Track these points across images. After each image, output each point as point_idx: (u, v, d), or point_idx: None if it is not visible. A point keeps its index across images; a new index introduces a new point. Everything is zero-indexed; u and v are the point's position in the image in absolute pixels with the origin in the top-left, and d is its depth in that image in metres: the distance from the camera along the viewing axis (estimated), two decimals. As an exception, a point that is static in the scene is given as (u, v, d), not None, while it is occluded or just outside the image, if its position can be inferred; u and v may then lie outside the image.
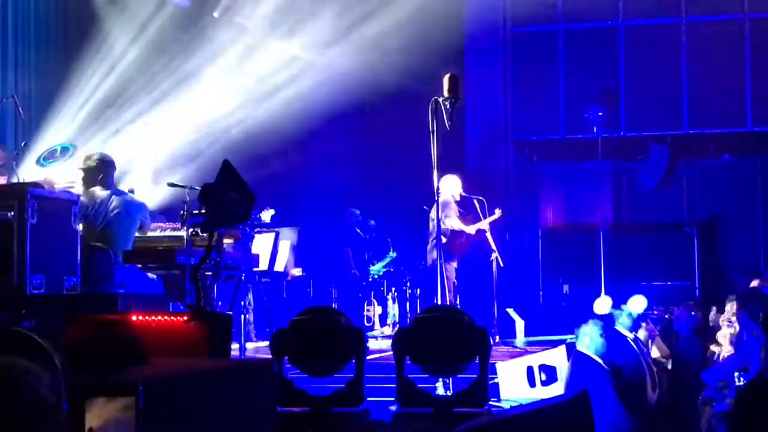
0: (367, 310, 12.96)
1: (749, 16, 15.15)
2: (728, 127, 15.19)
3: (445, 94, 7.12)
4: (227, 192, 5.00)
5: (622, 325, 8.83)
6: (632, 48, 15.48)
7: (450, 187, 10.81)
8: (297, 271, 12.33)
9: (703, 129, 15.26)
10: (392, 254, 13.41)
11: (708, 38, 15.23)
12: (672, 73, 15.35)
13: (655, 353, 9.48)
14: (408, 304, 13.21)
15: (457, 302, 12.50)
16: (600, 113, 14.78)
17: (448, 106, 7.16)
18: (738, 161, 15.69)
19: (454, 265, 10.96)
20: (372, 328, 12.74)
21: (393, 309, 13.10)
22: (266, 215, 12.05)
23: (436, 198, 8.16)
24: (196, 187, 6.40)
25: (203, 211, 5.10)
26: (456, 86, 7.17)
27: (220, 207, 5.03)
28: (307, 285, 13.93)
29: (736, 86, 15.09)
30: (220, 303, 7.63)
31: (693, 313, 9.61)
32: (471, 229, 10.79)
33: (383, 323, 12.94)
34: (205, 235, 5.75)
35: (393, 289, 13.36)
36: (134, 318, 5.29)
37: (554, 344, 9.93)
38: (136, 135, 12.48)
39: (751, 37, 15.09)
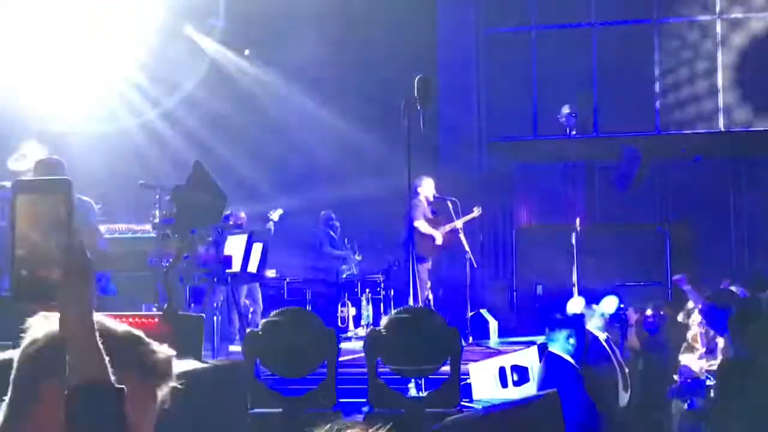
0: (341, 312, 12.96)
1: (720, 17, 15.27)
2: (700, 128, 15.30)
3: (417, 96, 7.14)
4: (198, 193, 4.98)
5: (594, 326, 8.85)
6: (604, 49, 15.56)
7: (423, 188, 10.82)
8: (271, 273, 12.32)
9: (675, 130, 15.36)
10: (357, 257, 13.41)
11: (680, 39, 15.34)
12: (644, 74, 15.45)
13: (633, 342, 9.53)
14: (382, 305, 13.21)
15: (431, 302, 12.55)
16: (573, 114, 14.83)
17: (419, 108, 7.18)
18: (709, 162, 15.80)
19: (427, 266, 10.95)
20: (346, 330, 12.74)
21: (367, 310, 13.10)
22: (275, 215, 12.09)
23: (408, 199, 8.16)
24: (168, 187, 6.38)
25: (174, 212, 5.07)
26: (427, 88, 7.18)
27: (191, 208, 5.02)
28: (281, 286, 13.91)
29: (707, 87, 15.21)
30: (192, 305, 7.58)
31: (662, 312, 9.67)
32: (438, 234, 10.75)
33: (357, 324, 12.94)
34: (176, 236, 5.75)
35: (367, 290, 13.37)
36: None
37: (528, 345, 9.97)
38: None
39: (722, 38, 15.21)
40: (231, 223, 11.81)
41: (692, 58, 15.41)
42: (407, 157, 7.40)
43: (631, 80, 15.48)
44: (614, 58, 15.49)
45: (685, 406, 7.54)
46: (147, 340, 2.03)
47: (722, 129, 15.21)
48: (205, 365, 5.14)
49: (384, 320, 5.78)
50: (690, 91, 15.31)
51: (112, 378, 1.76)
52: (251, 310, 11.59)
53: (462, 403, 5.72)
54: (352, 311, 13.09)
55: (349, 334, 12.49)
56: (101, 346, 1.74)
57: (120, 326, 1.97)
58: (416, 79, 7.20)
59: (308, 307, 13.31)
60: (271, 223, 12.16)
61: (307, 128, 15.38)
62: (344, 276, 13.20)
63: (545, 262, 14.79)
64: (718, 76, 15.20)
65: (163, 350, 2.04)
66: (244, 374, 4.77)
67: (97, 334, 1.75)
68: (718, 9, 15.28)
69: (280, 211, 12.28)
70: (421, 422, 5.11)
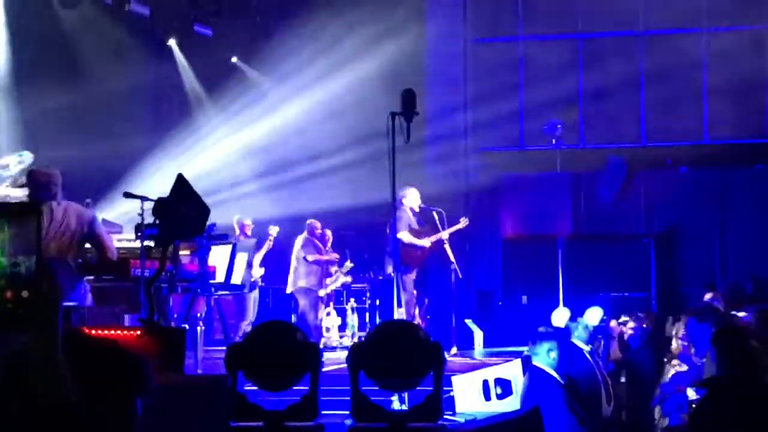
0: (327, 321, 12.94)
1: (707, 30, 15.33)
2: (685, 140, 15.34)
3: (402, 108, 7.15)
4: (181, 205, 4.98)
5: (578, 338, 8.86)
6: (591, 60, 15.60)
7: (408, 199, 10.78)
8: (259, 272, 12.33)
9: (660, 142, 15.40)
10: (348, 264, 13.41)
11: (666, 51, 15.39)
12: (630, 85, 15.49)
13: (615, 354, 9.52)
14: (367, 314, 13.21)
15: (416, 313, 12.54)
16: (558, 125, 14.86)
17: (404, 121, 7.18)
18: (695, 173, 15.85)
19: (412, 276, 10.90)
20: (331, 339, 12.73)
21: (352, 320, 13.09)
22: (273, 230, 12.11)
23: (393, 210, 8.15)
24: (152, 198, 6.35)
25: (156, 223, 5.07)
26: (413, 101, 7.19)
27: (173, 220, 5.01)
28: (267, 296, 13.90)
29: (693, 99, 15.25)
30: (176, 315, 7.57)
31: (644, 325, 9.67)
32: (425, 243, 10.72)
33: (342, 334, 12.93)
34: (159, 248, 5.73)
35: (352, 299, 13.37)
36: (87, 332, 5.24)
37: (513, 355, 9.95)
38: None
39: (708, 51, 15.26)
40: (238, 233, 11.87)
41: (679, 70, 15.44)
42: (391, 169, 7.40)
43: (618, 91, 15.51)
44: (601, 69, 15.52)
45: (667, 420, 7.54)
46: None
47: (708, 141, 15.25)
48: (186, 378, 5.11)
49: (367, 333, 5.78)
50: (676, 102, 15.35)
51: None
52: (246, 322, 11.60)
53: (445, 416, 5.71)
54: (337, 321, 13.08)
55: (334, 343, 12.49)
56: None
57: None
58: (402, 91, 7.22)
59: (293, 318, 13.34)
60: (270, 238, 12.18)
61: (296, 138, 15.40)
62: (333, 287, 13.18)
63: (531, 273, 14.83)
64: (703, 88, 15.24)
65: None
66: (223, 388, 4.75)
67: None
68: (704, 22, 15.33)
69: (277, 228, 12.33)
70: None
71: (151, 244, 6.08)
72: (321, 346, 12.69)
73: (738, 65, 15.08)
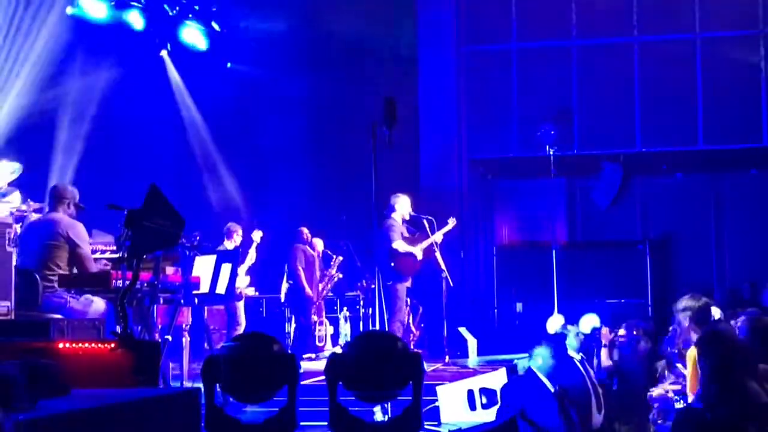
0: (319, 330, 12.88)
1: (700, 36, 15.28)
2: (680, 146, 15.29)
3: (383, 116, 7.11)
4: (154, 217, 4.92)
5: (569, 346, 8.80)
6: (585, 66, 15.54)
7: (399, 207, 10.72)
8: (250, 291, 12.25)
9: (655, 147, 15.34)
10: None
11: (660, 57, 15.33)
12: (624, 91, 15.44)
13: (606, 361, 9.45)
14: (361, 323, 13.15)
15: (410, 321, 12.48)
16: (552, 132, 14.81)
17: (386, 129, 7.14)
18: (690, 179, 15.81)
19: (407, 284, 10.84)
20: (323, 349, 12.67)
21: (345, 329, 13.03)
22: (256, 236, 12.04)
23: (380, 219, 8.09)
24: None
25: (130, 235, 5.01)
26: (393, 109, 7.15)
27: (146, 232, 4.95)
28: (260, 305, 13.86)
29: (688, 105, 15.20)
30: (160, 326, 7.52)
31: (635, 332, 9.60)
32: (417, 251, 10.67)
33: (335, 343, 12.87)
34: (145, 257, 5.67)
35: (345, 308, 13.32)
36: (60, 345, 5.20)
37: (506, 363, 9.90)
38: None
39: (702, 56, 15.21)
40: (231, 240, 11.80)
41: (673, 75, 15.39)
42: (374, 177, 7.35)
43: (612, 97, 15.46)
44: (595, 75, 15.47)
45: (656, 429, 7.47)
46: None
47: (703, 146, 15.19)
48: (160, 391, 5.05)
49: (345, 344, 5.71)
50: (670, 107, 15.29)
51: None
52: (240, 330, 11.54)
53: (426, 426, 5.64)
54: (330, 329, 13.03)
55: (326, 353, 12.41)
56: None
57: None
58: (383, 100, 7.19)
59: (287, 326, 13.29)
60: (254, 244, 12.10)
61: (285, 145, 15.38)
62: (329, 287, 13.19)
63: (525, 280, 14.77)
64: (697, 94, 15.18)
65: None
66: (196, 402, 4.68)
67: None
68: (698, 28, 15.28)
69: (260, 233, 12.23)
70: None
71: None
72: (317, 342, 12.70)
73: (732, 70, 15.03)
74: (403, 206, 10.76)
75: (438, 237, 10.78)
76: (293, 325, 13.06)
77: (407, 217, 10.82)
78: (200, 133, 15.45)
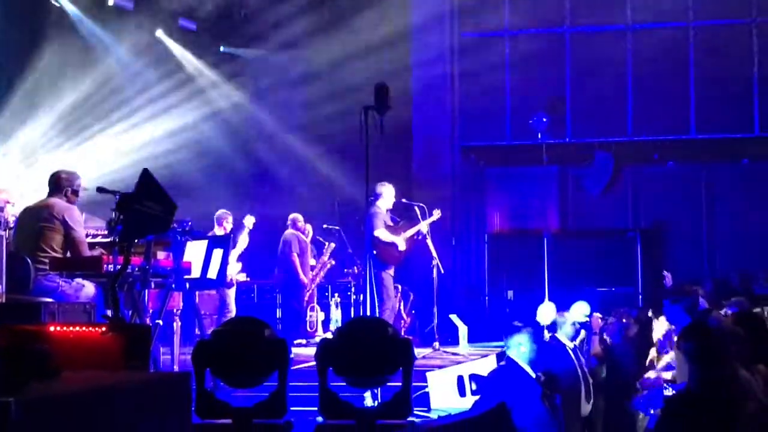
0: (310, 316, 12.89)
1: (693, 24, 15.28)
2: (672, 135, 15.31)
3: (375, 102, 7.10)
4: (146, 202, 4.92)
5: (565, 334, 8.82)
6: (578, 54, 15.54)
7: (384, 195, 10.64)
8: (241, 276, 12.25)
9: (647, 136, 15.36)
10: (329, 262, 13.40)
11: (653, 45, 15.33)
12: (617, 79, 15.45)
13: (596, 349, 9.49)
14: (352, 309, 13.15)
15: (401, 308, 12.50)
16: (545, 119, 14.82)
17: (377, 115, 7.13)
18: (682, 168, 15.84)
19: (390, 272, 10.78)
20: (314, 334, 12.69)
21: (336, 315, 13.04)
22: (248, 221, 12.02)
23: (366, 206, 8.09)
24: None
25: (121, 219, 5.01)
26: (385, 95, 7.14)
27: (138, 216, 4.95)
28: (252, 291, 13.86)
29: (680, 93, 15.21)
30: (151, 311, 7.51)
31: (624, 320, 9.63)
32: (400, 240, 10.59)
33: (326, 329, 12.88)
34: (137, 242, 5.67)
35: (336, 294, 13.33)
36: (51, 329, 5.20)
37: (497, 350, 9.91)
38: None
39: (695, 45, 15.22)
40: (221, 228, 11.79)
41: (666, 64, 15.39)
42: (365, 164, 7.36)
43: (604, 85, 15.46)
44: (587, 64, 15.46)
45: (647, 420, 7.50)
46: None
47: (695, 135, 15.21)
48: (151, 375, 5.05)
49: (335, 330, 5.73)
50: (662, 96, 15.30)
51: None
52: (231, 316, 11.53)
53: (416, 411, 5.66)
54: (321, 316, 13.04)
55: (317, 339, 12.43)
56: None
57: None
58: (374, 86, 7.19)
59: (278, 312, 13.30)
60: (246, 229, 12.08)
61: (278, 133, 15.38)
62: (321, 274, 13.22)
63: (517, 267, 14.80)
64: (690, 82, 15.20)
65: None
66: (187, 386, 4.69)
67: None
68: (690, 17, 15.28)
69: (252, 218, 12.21)
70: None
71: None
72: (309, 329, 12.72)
73: (725, 59, 15.04)
74: (388, 195, 10.68)
75: (423, 227, 10.69)
76: (281, 311, 13.10)
77: (390, 206, 10.74)
78: None
